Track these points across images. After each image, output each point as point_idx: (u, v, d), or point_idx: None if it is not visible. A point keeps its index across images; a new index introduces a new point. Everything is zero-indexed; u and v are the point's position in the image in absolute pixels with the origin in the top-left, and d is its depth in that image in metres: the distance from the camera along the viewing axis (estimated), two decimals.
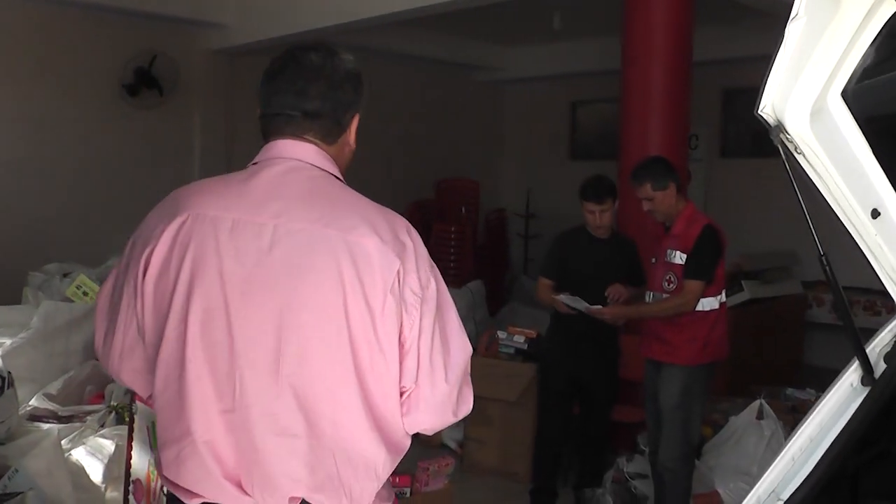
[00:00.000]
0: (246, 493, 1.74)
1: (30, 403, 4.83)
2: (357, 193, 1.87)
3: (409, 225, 1.85)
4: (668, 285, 4.19)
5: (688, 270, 4.11)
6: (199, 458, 1.73)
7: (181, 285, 1.73)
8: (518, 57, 10.98)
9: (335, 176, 1.89)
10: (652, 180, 4.19)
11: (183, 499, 1.78)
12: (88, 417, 4.77)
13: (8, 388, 4.00)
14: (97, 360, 2.02)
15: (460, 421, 1.90)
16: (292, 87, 1.84)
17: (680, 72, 5.85)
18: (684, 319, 4.14)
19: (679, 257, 4.14)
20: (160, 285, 1.76)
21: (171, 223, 1.77)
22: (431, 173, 10.36)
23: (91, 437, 4.47)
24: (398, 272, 1.74)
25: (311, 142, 1.87)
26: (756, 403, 5.02)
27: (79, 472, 4.05)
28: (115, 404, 4.82)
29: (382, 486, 1.82)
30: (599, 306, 4.42)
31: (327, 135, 1.89)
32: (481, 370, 5.27)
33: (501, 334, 5.76)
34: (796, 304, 8.17)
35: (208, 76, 9.15)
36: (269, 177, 1.82)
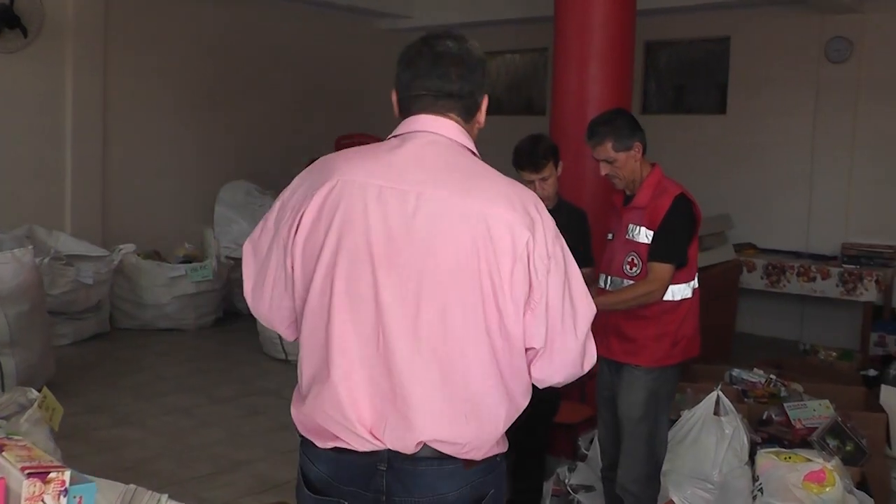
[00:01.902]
0: (377, 439, 1.89)
1: None
2: (491, 167, 1.99)
3: (537, 198, 2.00)
4: (631, 269, 3.40)
5: (655, 251, 3.33)
6: (337, 401, 1.89)
7: (329, 244, 1.90)
8: (425, 4, 10.20)
9: (472, 151, 2.03)
10: (614, 138, 3.41)
11: (316, 441, 1.96)
12: None
13: None
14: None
15: None
16: (435, 72, 2.00)
17: (624, 11, 5.05)
18: (650, 311, 3.37)
19: (644, 234, 3.36)
20: (310, 243, 1.93)
21: (322, 187, 1.93)
22: (332, 129, 9.44)
23: None
24: (527, 243, 1.88)
25: (453, 119, 2.02)
26: (713, 396, 4.30)
27: None
28: None
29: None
30: None
31: (468, 114, 2.05)
32: None
33: None
34: (731, 271, 7.58)
35: (80, 17, 8.03)
36: (413, 148, 1.97)
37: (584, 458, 4.43)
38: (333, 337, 1.90)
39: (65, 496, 2.05)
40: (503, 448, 2.02)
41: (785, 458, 4.15)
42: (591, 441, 4.48)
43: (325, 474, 1.98)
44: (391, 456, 1.91)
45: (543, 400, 4.01)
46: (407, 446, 1.89)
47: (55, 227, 7.74)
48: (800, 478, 4.02)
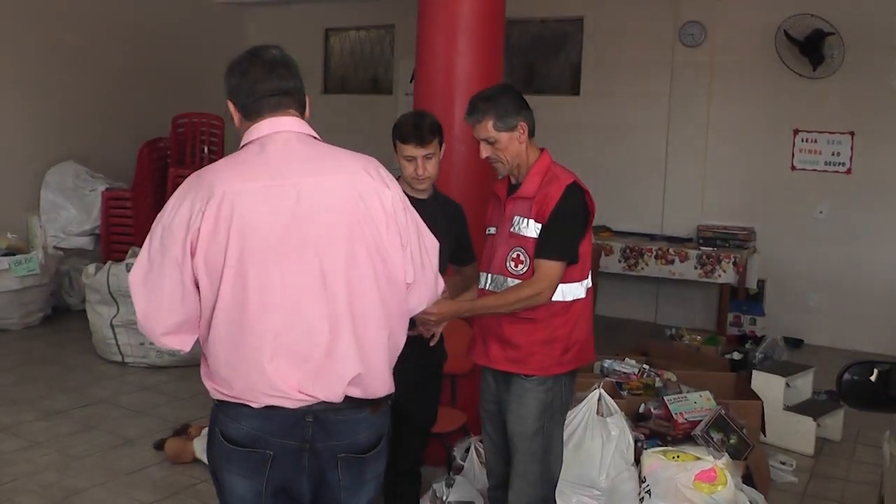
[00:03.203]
0: (308, 395, 2.22)
1: None
2: (334, 146, 2.37)
3: (378, 162, 2.41)
4: (516, 266, 3.05)
5: (544, 246, 3.00)
6: (266, 378, 2.19)
7: (233, 248, 2.16)
8: None
9: (315, 137, 2.37)
10: (495, 116, 3.06)
11: (249, 402, 2.21)
12: None
13: None
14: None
15: None
16: (272, 75, 2.32)
17: None
18: (538, 314, 3.02)
19: (532, 227, 3.02)
20: (212, 253, 2.16)
21: (210, 202, 2.16)
22: (168, 107, 8.74)
23: None
24: (392, 200, 2.33)
25: (293, 115, 2.34)
26: (594, 395, 4.07)
27: None
28: None
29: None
30: None
31: (301, 107, 2.38)
32: None
33: None
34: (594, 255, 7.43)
35: None
36: (275, 148, 2.28)
37: (460, 469, 4.11)
38: (252, 324, 2.18)
39: None
40: (392, 390, 2.41)
41: (673, 458, 3.96)
42: (468, 450, 4.17)
43: (252, 430, 2.23)
44: (318, 408, 2.24)
45: (420, 409, 3.68)
46: (337, 394, 2.25)
47: None
48: (690, 478, 3.84)
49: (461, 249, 3.58)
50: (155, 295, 2.21)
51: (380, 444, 2.38)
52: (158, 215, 2.24)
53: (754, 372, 5.33)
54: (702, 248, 7.58)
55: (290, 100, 2.33)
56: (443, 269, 3.56)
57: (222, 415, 2.26)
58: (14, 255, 7.35)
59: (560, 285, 3.02)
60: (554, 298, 3.03)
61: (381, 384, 2.34)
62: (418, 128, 3.36)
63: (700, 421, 4.43)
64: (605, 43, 8.58)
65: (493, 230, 3.21)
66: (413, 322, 3.20)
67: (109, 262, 6.72)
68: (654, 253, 7.65)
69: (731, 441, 4.34)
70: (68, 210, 8.12)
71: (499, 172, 3.20)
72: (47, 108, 8.39)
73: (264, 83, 2.31)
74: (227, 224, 2.15)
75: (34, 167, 8.22)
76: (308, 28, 10.39)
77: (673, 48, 8.20)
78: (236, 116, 2.36)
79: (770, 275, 7.89)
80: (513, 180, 3.18)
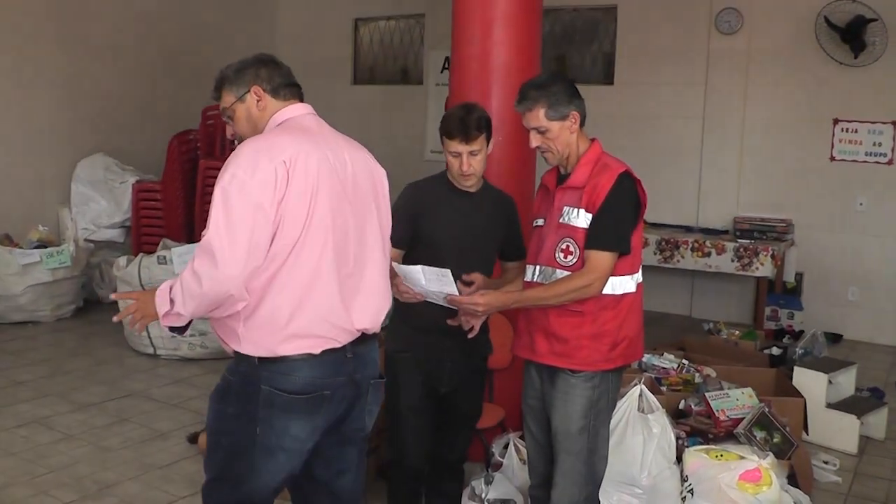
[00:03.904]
0: (357, 329, 2.63)
1: None
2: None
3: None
4: (565, 258, 2.96)
5: (595, 237, 2.90)
6: (337, 316, 2.57)
7: (313, 201, 2.52)
8: None
9: None
10: (547, 105, 2.96)
11: (311, 349, 2.53)
12: None
13: None
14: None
15: None
16: (287, 70, 2.78)
17: None
18: (587, 307, 2.93)
19: (582, 217, 2.92)
20: (296, 205, 2.48)
21: (290, 161, 2.49)
22: (198, 101, 8.70)
23: None
24: (384, 175, 2.88)
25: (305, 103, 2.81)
26: (635, 391, 3.98)
27: None
28: None
29: None
30: (457, 293, 3.08)
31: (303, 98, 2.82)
32: None
33: None
34: None
35: None
36: (311, 124, 2.70)
37: (498, 466, 4.03)
38: (324, 267, 2.54)
39: None
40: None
41: (716, 457, 3.86)
42: (506, 447, 4.09)
43: (309, 377, 2.52)
44: (354, 344, 2.61)
45: (465, 401, 3.60)
46: (377, 325, 2.70)
47: None
48: (734, 478, 3.73)
49: (508, 244, 3.49)
50: (239, 243, 2.39)
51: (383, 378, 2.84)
52: (227, 179, 2.43)
53: (796, 368, 5.20)
54: (739, 240, 7.44)
55: (300, 91, 2.79)
56: (492, 262, 3.50)
57: (271, 372, 2.50)
58: (45, 247, 7.35)
59: (610, 278, 2.93)
60: (604, 291, 2.94)
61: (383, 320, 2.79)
62: (464, 123, 3.25)
63: (742, 419, 4.33)
64: (638, 31, 8.45)
65: (540, 221, 3.12)
66: (455, 311, 3.14)
67: (140, 254, 6.70)
68: (691, 245, 7.52)
69: (775, 440, 4.23)
70: (99, 202, 8.11)
71: (548, 162, 3.11)
72: (78, 101, 8.39)
73: (287, 76, 2.75)
74: (309, 180, 2.50)
75: (65, 160, 8.23)
76: (337, 18, 10.34)
77: (708, 36, 8.06)
78: (263, 99, 2.69)
79: (808, 268, 7.74)
80: (561, 170, 3.09)
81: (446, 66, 9.57)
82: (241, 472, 2.59)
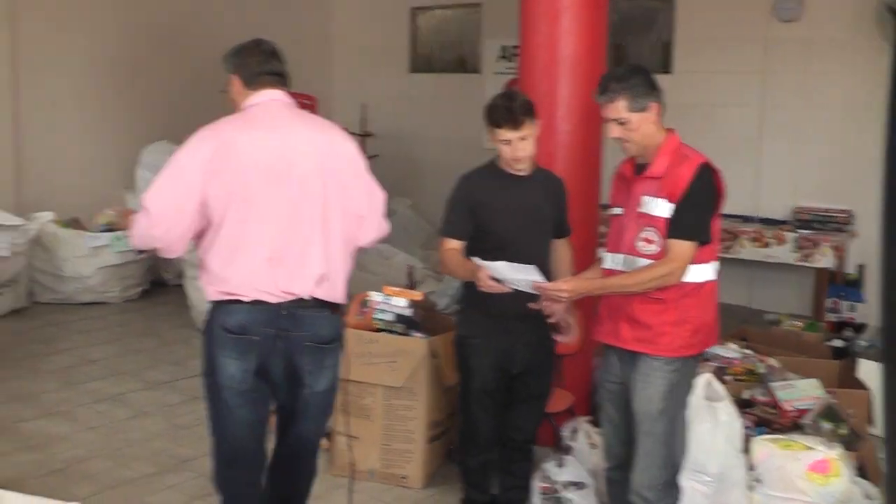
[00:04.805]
0: (286, 293, 2.98)
1: None
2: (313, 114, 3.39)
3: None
4: (647, 246, 3.02)
5: (677, 226, 2.97)
6: (257, 277, 2.95)
7: (238, 179, 2.91)
8: None
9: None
10: (628, 97, 3.03)
11: (241, 297, 2.94)
12: None
13: None
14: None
15: None
16: (271, 59, 3.15)
17: None
18: (668, 294, 3.01)
19: (663, 207, 2.99)
20: (222, 182, 2.89)
21: (221, 144, 2.93)
22: None
23: None
24: (353, 149, 3.20)
25: (282, 89, 3.17)
26: (703, 378, 4.00)
27: None
28: None
29: None
30: (543, 280, 3.19)
31: (286, 86, 3.20)
32: (355, 347, 4.07)
33: (376, 296, 4.48)
34: None
35: None
36: (269, 109, 3.10)
37: (568, 450, 4.10)
38: (249, 236, 2.94)
39: None
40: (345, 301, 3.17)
41: (784, 446, 3.89)
42: (575, 431, 4.15)
43: (242, 321, 2.94)
44: (291, 304, 2.97)
45: (537, 381, 3.69)
46: (307, 291, 3.00)
47: None
48: (803, 468, 3.76)
49: (557, 223, 3.61)
50: (164, 205, 2.90)
51: (336, 341, 3.14)
52: (177, 152, 2.98)
53: (861, 360, 5.19)
54: (799, 231, 7.41)
55: (280, 80, 3.13)
56: (549, 241, 3.60)
57: (218, 311, 2.97)
58: (113, 231, 7.54)
59: (692, 266, 3.00)
60: (685, 279, 3.00)
61: (339, 291, 3.09)
62: (511, 111, 3.38)
63: (808, 409, 4.34)
64: (696, 19, 8.40)
65: (619, 210, 3.19)
66: (536, 296, 3.24)
67: None
68: (750, 235, 7.50)
69: (842, 431, 4.24)
70: None
71: (627, 153, 3.17)
72: (143, 89, 8.58)
73: (266, 64, 3.11)
74: (234, 160, 2.89)
75: (131, 146, 8.40)
76: (394, 7, 10.40)
77: (767, 24, 7.99)
78: (237, 86, 3.12)
79: (870, 259, 7.68)
80: (639, 160, 3.14)
81: (503, 55, 9.61)
82: (215, 422, 3.10)
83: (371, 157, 9.51)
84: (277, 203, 2.95)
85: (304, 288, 2.99)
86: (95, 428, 4.80)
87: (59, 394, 5.30)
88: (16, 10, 7.59)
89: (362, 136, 9.64)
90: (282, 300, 2.95)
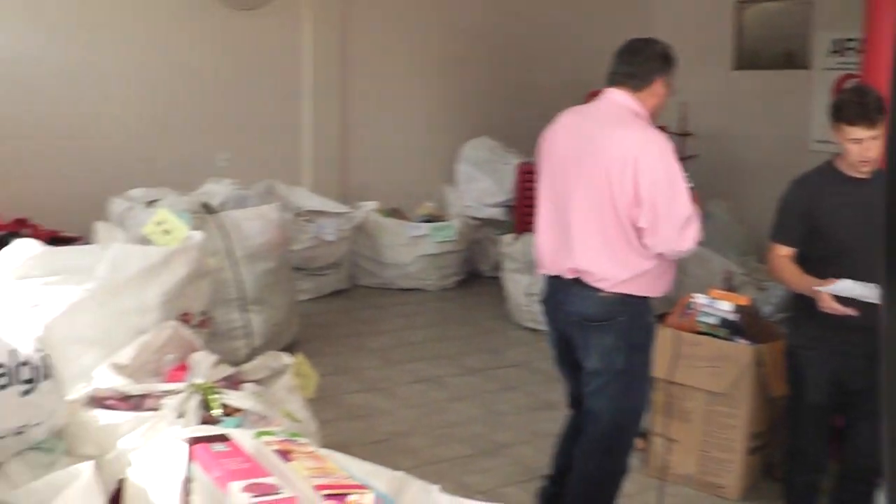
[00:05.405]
0: (562, 269, 3.32)
1: (93, 375, 3.68)
2: (636, 121, 3.26)
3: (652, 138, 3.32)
4: None
5: None
6: (544, 254, 3.41)
7: (547, 166, 3.41)
8: None
9: (635, 111, 3.27)
10: None
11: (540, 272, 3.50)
12: (165, 401, 3.59)
13: (44, 378, 2.80)
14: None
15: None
16: (621, 59, 3.32)
17: None
18: None
19: None
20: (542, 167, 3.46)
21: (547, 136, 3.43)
22: (577, 85, 8.87)
23: (166, 433, 3.29)
24: (640, 166, 3.13)
25: (623, 89, 3.28)
26: None
27: (139, 499, 2.85)
28: (201, 383, 3.62)
29: None
30: None
31: (635, 85, 3.27)
32: (677, 348, 3.94)
33: (701, 299, 4.32)
34: None
35: None
36: (596, 106, 3.36)
37: None
38: (542, 215, 3.46)
39: None
40: (629, 291, 3.22)
41: None
42: None
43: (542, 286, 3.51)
44: (569, 280, 3.26)
45: (872, 397, 3.37)
46: (575, 272, 3.24)
47: (294, 183, 7.67)
48: None
49: None
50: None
51: (602, 322, 3.23)
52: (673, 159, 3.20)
53: None
54: None
55: (624, 79, 3.26)
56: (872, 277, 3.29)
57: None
58: (433, 221, 7.87)
59: None
60: None
61: (598, 279, 3.20)
62: (865, 108, 3.13)
63: None
64: None
65: None
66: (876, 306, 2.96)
67: (527, 232, 6.95)
68: None
69: None
70: (482, 182, 8.52)
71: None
72: (464, 85, 8.91)
73: (615, 66, 3.31)
74: (549, 148, 3.41)
75: (451, 141, 8.75)
76: (718, 3, 10.03)
77: None
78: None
79: None
80: None
81: (835, 49, 8.97)
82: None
83: (689, 158, 9.36)
84: (555, 190, 3.38)
85: (562, 268, 3.36)
86: (415, 406, 5.02)
87: (380, 371, 5.60)
88: (346, 11, 8.13)
89: (681, 136, 9.38)
90: (558, 273, 3.40)
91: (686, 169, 3.45)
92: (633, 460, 3.52)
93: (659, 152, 3.12)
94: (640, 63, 3.23)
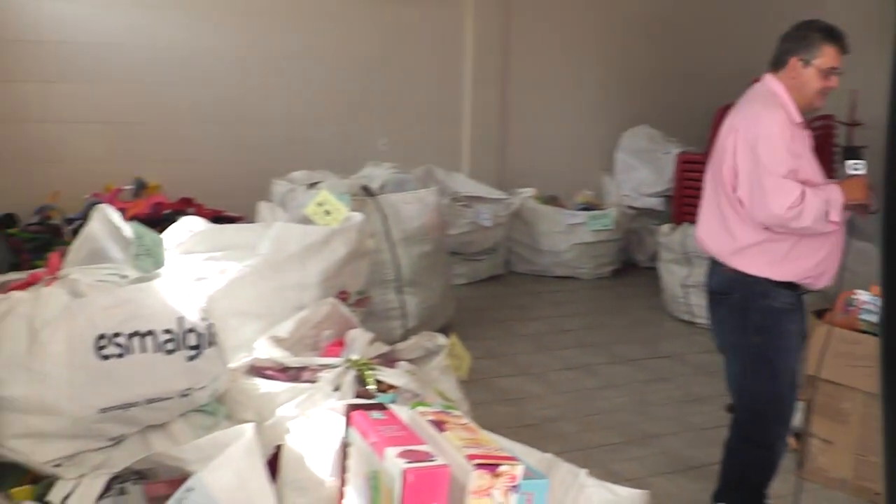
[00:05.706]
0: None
1: (254, 347, 3.88)
2: (762, 100, 3.32)
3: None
4: None
5: None
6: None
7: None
8: None
9: (774, 91, 3.31)
10: None
11: None
12: (322, 374, 3.75)
13: (208, 345, 2.99)
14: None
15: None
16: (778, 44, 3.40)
17: None
18: None
19: None
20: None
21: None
22: (745, 72, 8.57)
23: (322, 404, 3.44)
24: (738, 139, 3.28)
25: (772, 73, 3.36)
26: None
27: (295, 464, 3.00)
28: (357, 359, 3.76)
29: None
30: None
31: (775, 68, 3.35)
32: (834, 346, 3.79)
33: (863, 296, 4.13)
34: None
35: None
36: (752, 91, 3.41)
37: None
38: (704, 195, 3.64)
39: (514, 492, 1.71)
40: (742, 268, 3.29)
41: None
42: None
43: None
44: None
45: None
46: (703, 249, 3.47)
47: (452, 169, 7.79)
48: None
49: None
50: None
51: (721, 296, 3.40)
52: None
53: None
54: None
55: (772, 62, 3.33)
56: None
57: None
58: (590, 210, 7.82)
59: None
60: None
61: (714, 251, 3.38)
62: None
63: None
64: None
65: None
66: None
67: (685, 223, 6.82)
68: None
69: None
70: (641, 171, 8.40)
71: None
72: (625, 73, 8.80)
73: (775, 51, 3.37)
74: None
75: (610, 130, 8.67)
76: None
77: None
78: None
79: None
80: None
81: None
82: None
83: (857, 148, 8.86)
84: (710, 172, 3.51)
85: (699, 243, 3.55)
86: (565, 392, 5.03)
87: (532, 357, 5.64)
88: (510, 4, 8.15)
89: (850, 126, 8.95)
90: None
91: (860, 157, 3.33)
92: (787, 461, 3.41)
93: (758, 124, 3.16)
94: (779, 44, 3.33)
